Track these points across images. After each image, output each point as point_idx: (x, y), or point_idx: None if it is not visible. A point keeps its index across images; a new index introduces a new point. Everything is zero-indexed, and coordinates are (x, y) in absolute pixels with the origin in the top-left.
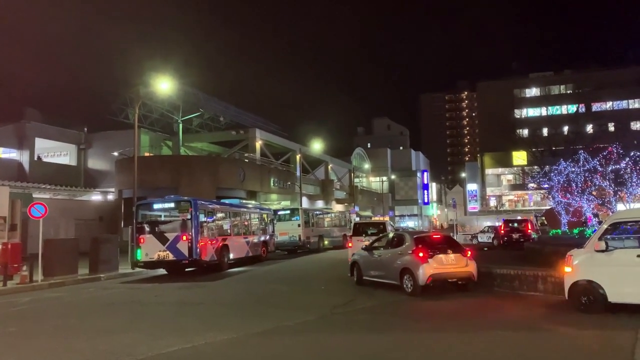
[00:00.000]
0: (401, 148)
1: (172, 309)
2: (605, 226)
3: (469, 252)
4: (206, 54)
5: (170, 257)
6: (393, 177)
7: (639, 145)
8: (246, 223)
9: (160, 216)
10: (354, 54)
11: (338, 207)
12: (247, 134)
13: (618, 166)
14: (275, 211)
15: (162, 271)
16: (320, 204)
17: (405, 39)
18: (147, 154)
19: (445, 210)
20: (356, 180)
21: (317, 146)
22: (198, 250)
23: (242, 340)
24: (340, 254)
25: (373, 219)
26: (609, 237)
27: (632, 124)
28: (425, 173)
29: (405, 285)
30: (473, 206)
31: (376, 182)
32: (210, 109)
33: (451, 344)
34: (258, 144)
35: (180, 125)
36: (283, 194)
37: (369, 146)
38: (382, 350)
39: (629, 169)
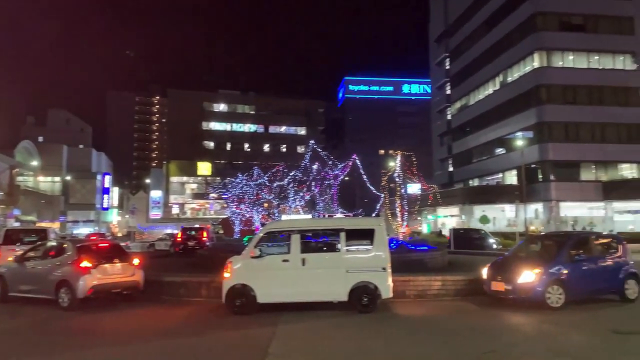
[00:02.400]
0: (81, 146)
1: None
2: (260, 234)
3: (137, 261)
4: None
5: None
6: (68, 177)
7: (299, 166)
8: None
9: None
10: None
11: None
12: None
13: (282, 183)
14: None
15: None
16: None
17: (95, 31)
18: None
19: (127, 216)
20: (20, 178)
21: None
22: None
23: None
24: None
25: (38, 224)
26: (264, 244)
27: (298, 147)
28: (107, 176)
29: (61, 300)
30: (155, 213)
31: (46, 183)
32: None
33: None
34: None
35: None
36: None
37: (40, 140)
38: None
39: (290, 186)
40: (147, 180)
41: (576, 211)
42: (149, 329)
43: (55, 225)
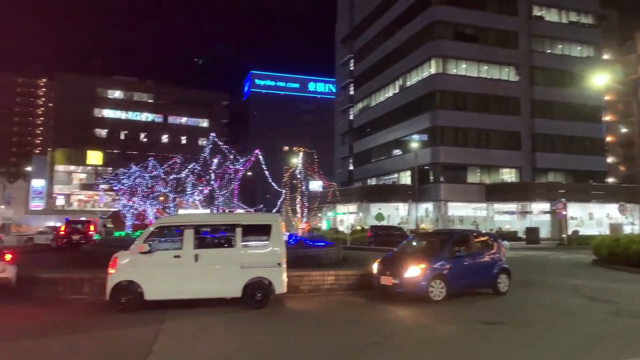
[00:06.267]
0: None
1: None
2: (151, 229)
3: (10, 256)
4: None
5: None
6: None
7: (199, 158)
8: None
9: None
10: None
11: None
12: None
13: (179, 176)
14: None
15: None
16: None
17: None
18: None
19: (2, 207)
20: None
21: None
22: None
23: None
24: None
25: None
26: (155, 239)
27: (200, 140)
28: None
29: None
30: (37, 204)
31: None
32: None
33: None
34: None
35: None
36: None
37: None
38: None
39: (188, 179)
40: (28, 168)
41: (462, 211)
42: (17, 330)
43: None
